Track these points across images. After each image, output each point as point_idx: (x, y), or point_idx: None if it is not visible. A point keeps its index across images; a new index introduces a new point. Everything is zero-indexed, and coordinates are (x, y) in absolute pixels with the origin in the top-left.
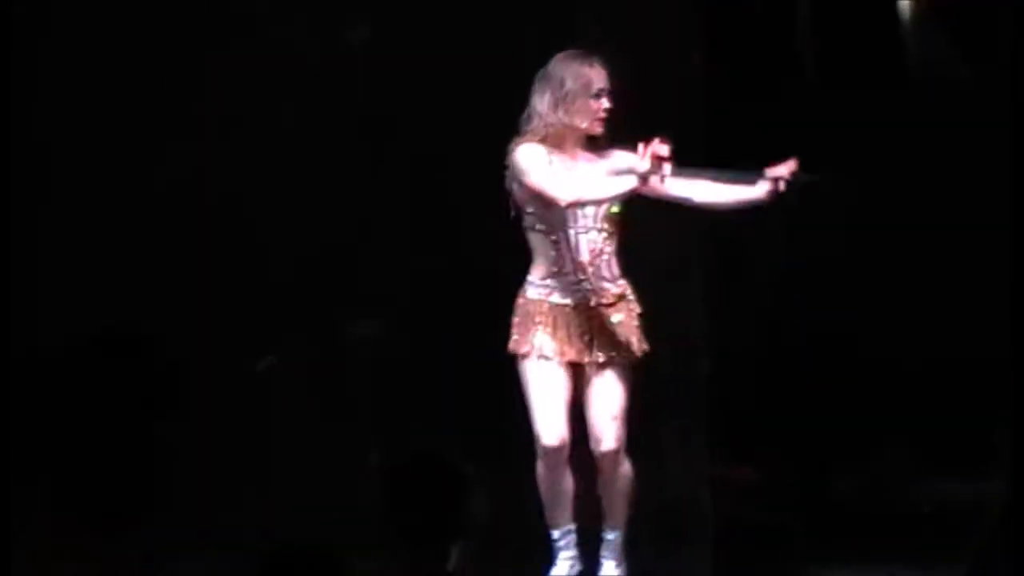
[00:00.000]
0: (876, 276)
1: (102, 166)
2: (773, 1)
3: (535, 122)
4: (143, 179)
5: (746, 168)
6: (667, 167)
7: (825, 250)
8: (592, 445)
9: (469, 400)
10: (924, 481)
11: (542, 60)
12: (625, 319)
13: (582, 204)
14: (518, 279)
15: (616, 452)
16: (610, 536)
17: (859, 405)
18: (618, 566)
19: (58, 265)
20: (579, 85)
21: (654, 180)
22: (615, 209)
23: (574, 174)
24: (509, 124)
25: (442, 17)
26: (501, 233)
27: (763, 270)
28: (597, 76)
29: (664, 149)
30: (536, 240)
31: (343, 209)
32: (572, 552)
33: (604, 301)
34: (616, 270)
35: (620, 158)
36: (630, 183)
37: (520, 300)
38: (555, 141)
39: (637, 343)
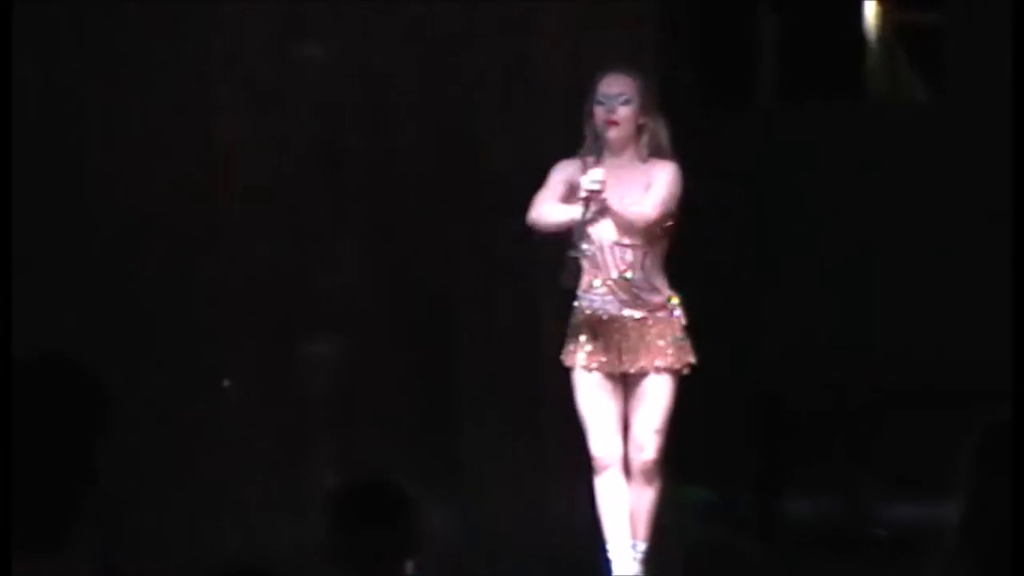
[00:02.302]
0: (834, 298)
1: (46, 184)
2: (737, 15)
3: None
4: (92, 198)
5: None
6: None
7: (784, 268)
8: (632, 454)
9: (424, 420)
10: (881, 505)
11: (495, 77)
12: (664, 330)
13: (537, 227)
14: (473, 298)
15: (655, 463)
16: (641, 548)
17: (817, 429)
18: None
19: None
20: (594, 94)
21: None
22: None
23: (616, 184)
24: (464, 141)
25: (397, 36)
26: (456, 253)
27: (723, 288)
28: (606, 84)
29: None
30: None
31: (296, 230)
32: (631, 567)
33: (641, 312)
34: (658, 281)
35: (653, 168)
36: (571, 213)
37: (571, 313)
38: (599, 152)
39: (677, 355)
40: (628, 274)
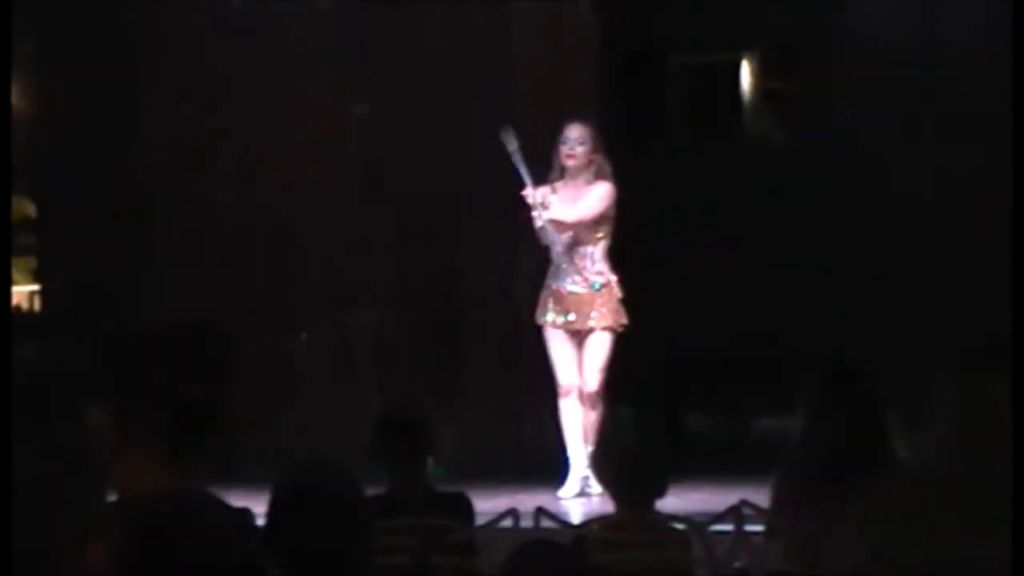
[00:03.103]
0: (723, 278)
1: (185, 198)
2: (653, 87)
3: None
4: (213, 204)
5: None
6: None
7: (693, 259)
8: (583, 387)
9: (442, 365)
10: (754, 420)
11: (488, 118)
12: (605, 301)
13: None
14: (476, 282)
15: (597, 393)
16: (589, 449)
17: (712, 368)
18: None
19: (161, 265)
20: (560, 137)
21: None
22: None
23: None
24: (472, 168)
25: (419, 89)
26: (466, 250)
27: (649, 270)
28: (567, 130)
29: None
30: (549, 247)
31: (353, 230)
32: (581, 470)
33: (589, 287)
34: (602, 265)
35: (594, 187)
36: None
37: (542, 288)
38: (563, 176)
39: (615, 318)
40: (588, 259)
